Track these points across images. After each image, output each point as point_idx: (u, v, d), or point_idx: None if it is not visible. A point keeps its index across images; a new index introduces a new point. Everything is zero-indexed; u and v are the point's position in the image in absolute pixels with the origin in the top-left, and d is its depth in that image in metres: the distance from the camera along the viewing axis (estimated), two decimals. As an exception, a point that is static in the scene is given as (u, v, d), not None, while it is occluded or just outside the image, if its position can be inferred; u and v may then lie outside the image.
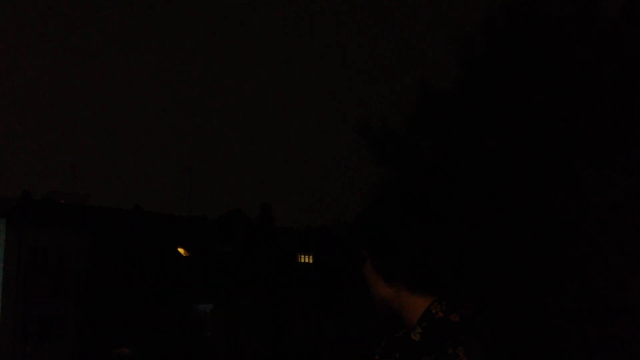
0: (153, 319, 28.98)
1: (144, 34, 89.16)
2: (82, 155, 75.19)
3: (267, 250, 35.27)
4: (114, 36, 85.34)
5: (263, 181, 77.03)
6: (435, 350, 1.29)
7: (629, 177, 12.51)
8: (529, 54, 13.70)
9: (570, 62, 13.39)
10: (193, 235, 32.98)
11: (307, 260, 38.17)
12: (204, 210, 75.43)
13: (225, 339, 32.07)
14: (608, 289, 11.69)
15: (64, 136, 78.60)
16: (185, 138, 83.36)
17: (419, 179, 1.49)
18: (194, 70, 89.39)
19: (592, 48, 13.15)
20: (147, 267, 29.72)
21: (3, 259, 26.21)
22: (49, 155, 74.14)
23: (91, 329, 27.68)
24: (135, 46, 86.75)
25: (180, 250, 32.68)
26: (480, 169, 13.50)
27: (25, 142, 74.30)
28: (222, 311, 32.24)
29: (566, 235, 12.19)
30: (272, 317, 34.32)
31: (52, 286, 27.34)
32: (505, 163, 13.49)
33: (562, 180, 12.83)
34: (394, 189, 1.48)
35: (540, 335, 11.86)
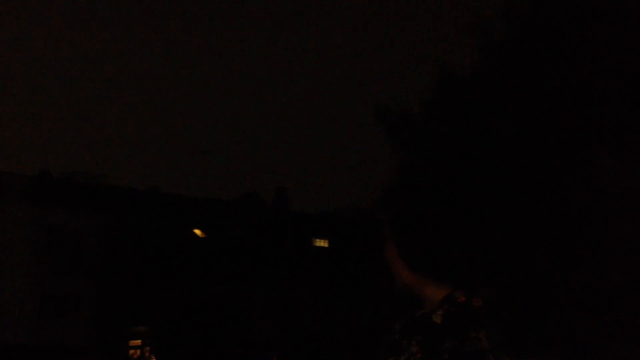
0: (167, 299, 29.30)
1: (165, 14, 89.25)
2: (100, 135, 75.80)
3: (282, 234, 35.39)
4: (135, 16, 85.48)
5: (279, 165, 77.17)
6: (458, 334, 1.29)
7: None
8: (550, 40, 13.50)
9: (593, 48, 13.17)
10: (208, 218, 33.19)
11: (322, 244, 38.27)
12: (220, 193, 75.83)
13: (239, 322, 32.34)
14: (624, 280, 11.58)
15: (83, 116, 79.21)
16: (201, 120, 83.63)
17: (442, 168, 1.50)
18: (212, 52, 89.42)
19: (616, 34, 12.91)
20: (163, 248, 29.99)
21: (21, 237, 26.59)
22: (68, 135, 74.84)
23: (107, 307, 28.05)
24: (155, 27, 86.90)
25: (196, 231, 32.92)
26: (498, 156, 13.38)
27: (44, 122, 75.04)
28: (235, 294, 32.49)
29: (584, 224, 12.07)
30: (285, 301, 34.52)
31: (69, 265, 27.71)
32: (523, 150, 13.35)
33: (581, 168, 12.68)
34: (421, 179, 1.49)
35: (556, 325, 11.81)
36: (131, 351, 29.09)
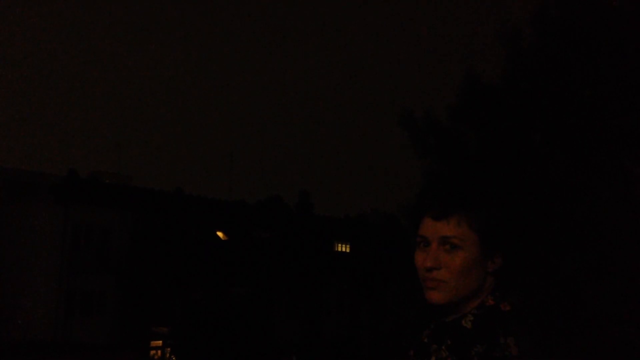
0: (189, 299, 29.49)
1: (189, 16, 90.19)
2: (126, 137, 76.78)
3: (304, 237, 35.42)
4: (159, 19, 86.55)
5: (303, 169, 77.37)
6: (487, 339, 1.27)
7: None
8: (580, 48, 13.33)
9: (624, 56, 12.97)
10: (232, 220, 33.36)
11: (344, 249, 38.20)
12: (244, 196, 76.18)
13: (260, 324, 32.42)
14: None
15: (110, 118, 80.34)
16: (227, 124, 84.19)
17: (468, 174, 1.47)
18: (238, 56, 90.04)
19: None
20: (186, 248, 30.21)
21: (48, 235, 27.01)
22: (96, 136, 75.94)
23: (131, 306, 28.33)
24: (179, 30, 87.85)
25: (219, 233, 33.10)
26: (525, 164, 13.24)
27: (73, 123, 76.24)
28: (257, 296, 32.59)
29: (613, 234, 11.88)
30: (306, 304, 34.51)
31: (94, 263, 28.06)
32: (551, 159, 13.19)
33: (611, 178, 12.48)
34: (507, 190, 1.47)
35: (581, 334, 11.63)
36: (152, 351, 29.32)
